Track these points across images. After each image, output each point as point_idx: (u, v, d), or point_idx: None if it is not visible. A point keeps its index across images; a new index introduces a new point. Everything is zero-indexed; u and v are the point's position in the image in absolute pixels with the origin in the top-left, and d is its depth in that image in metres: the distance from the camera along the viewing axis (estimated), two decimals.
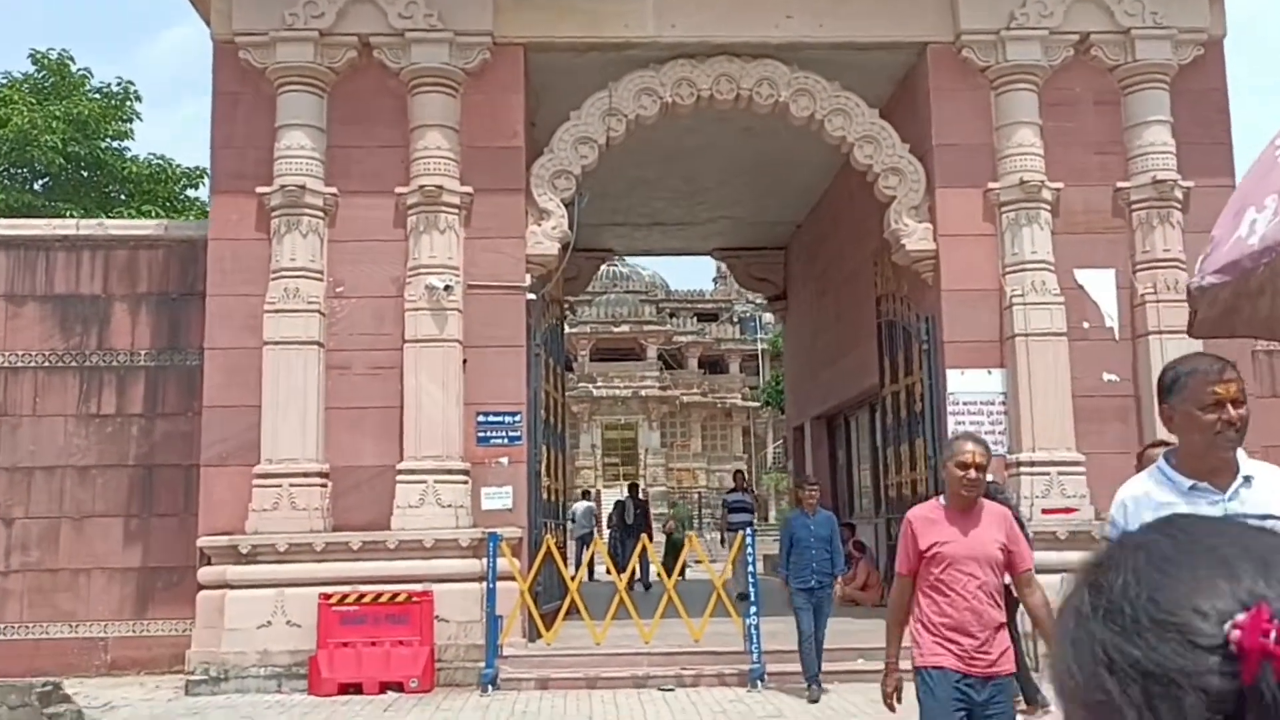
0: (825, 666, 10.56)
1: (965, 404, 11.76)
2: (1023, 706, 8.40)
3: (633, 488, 20.82)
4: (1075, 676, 0.71)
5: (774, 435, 53.62)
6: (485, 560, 10.66)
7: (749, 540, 10.78)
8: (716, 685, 10.30)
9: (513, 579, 10.71)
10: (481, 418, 11.58)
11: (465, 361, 11.51)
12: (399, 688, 10.25)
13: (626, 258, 58.54)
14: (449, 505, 11.08)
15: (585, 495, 27.28)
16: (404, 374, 11.36)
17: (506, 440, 11.58)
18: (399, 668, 10.34)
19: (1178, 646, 0.67)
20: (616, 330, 51.42)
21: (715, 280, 64.15)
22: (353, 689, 10.22)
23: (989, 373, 11.79)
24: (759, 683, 10.09)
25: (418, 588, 10.72)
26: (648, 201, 17.92)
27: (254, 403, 11.24)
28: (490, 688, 10.10)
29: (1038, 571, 10.64)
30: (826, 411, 18.74)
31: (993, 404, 11.76)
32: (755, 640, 10.32)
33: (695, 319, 55.75)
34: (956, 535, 4.31)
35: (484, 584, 10.64)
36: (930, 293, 12.18)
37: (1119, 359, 11.82)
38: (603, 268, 58.31)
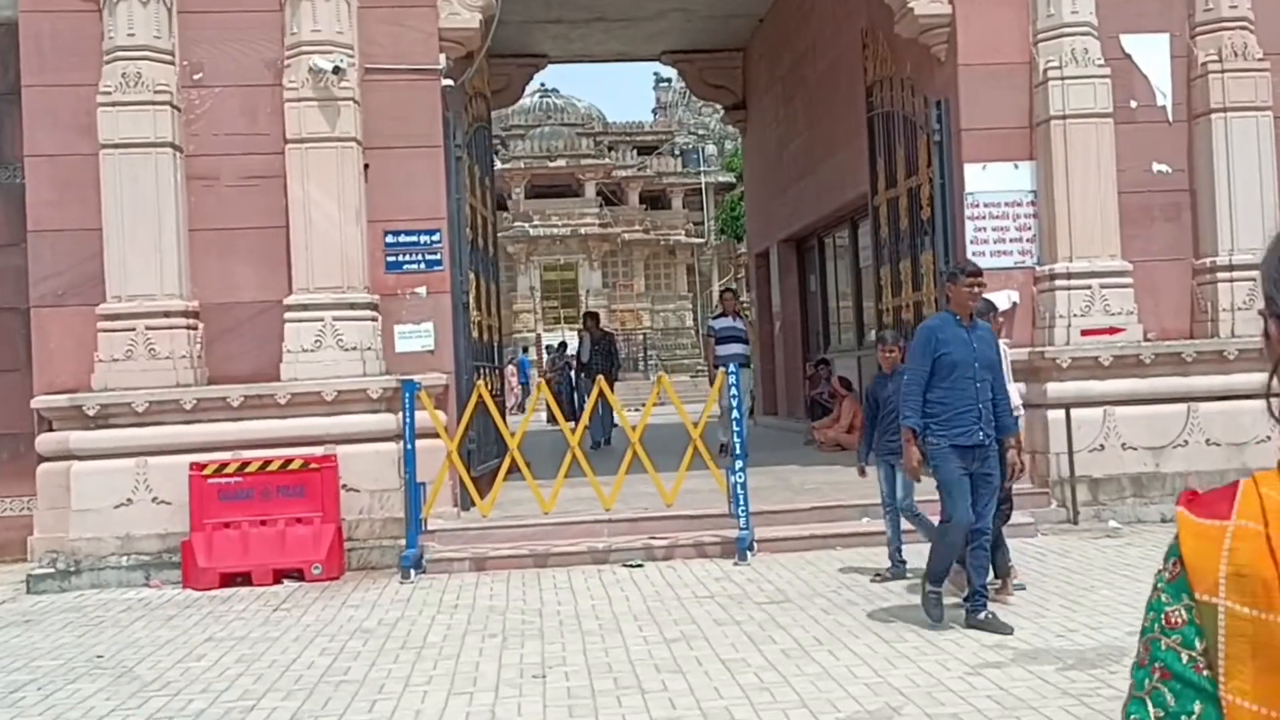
0: (824, 529, 8.70)
1: (986, 205, 9.61)
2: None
3: (591, 317, 16.33)
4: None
5: (720, 273, 51.62)
6: (402, 415, 8.47)
7: (732, 376, 8.63)
8: (695, 558, 8.35)
9: (437, 436, 8.56)
10: (390, 238, 9.23)
11: (366, 167, 9.08)
12: (299, 576, 8.17)
13: (560, 90, 55.13)
14: (353, 348, 8.80)
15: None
16: (288, 184, 8.91)
17: (423, 265, 9.26)
18: (297, 551, 8.24)
19: None
20: (552, 165, 48.38)
21: (655, 111, 61.02)
22: (240, 579, 8.12)
23: (1016, 166, 9.61)
24: (748, 553, 8.14)
25: (318, 451, 8.55)
26: None
27: (94, 225, 8.76)
28: (413, 571, 8.04)
29: (1077, 405, 8.62)
30: (796, 233, 16.53)
31: (1020, 204, 9.62)
32: (741, 501, 8.34)
33: (635, 152, 52.69)
34: None
35: (402, 444, 8.48)
36: (942, 71, 9.87)
37: (1171, 145, 9.69)
38: (535, 99, 55.09)
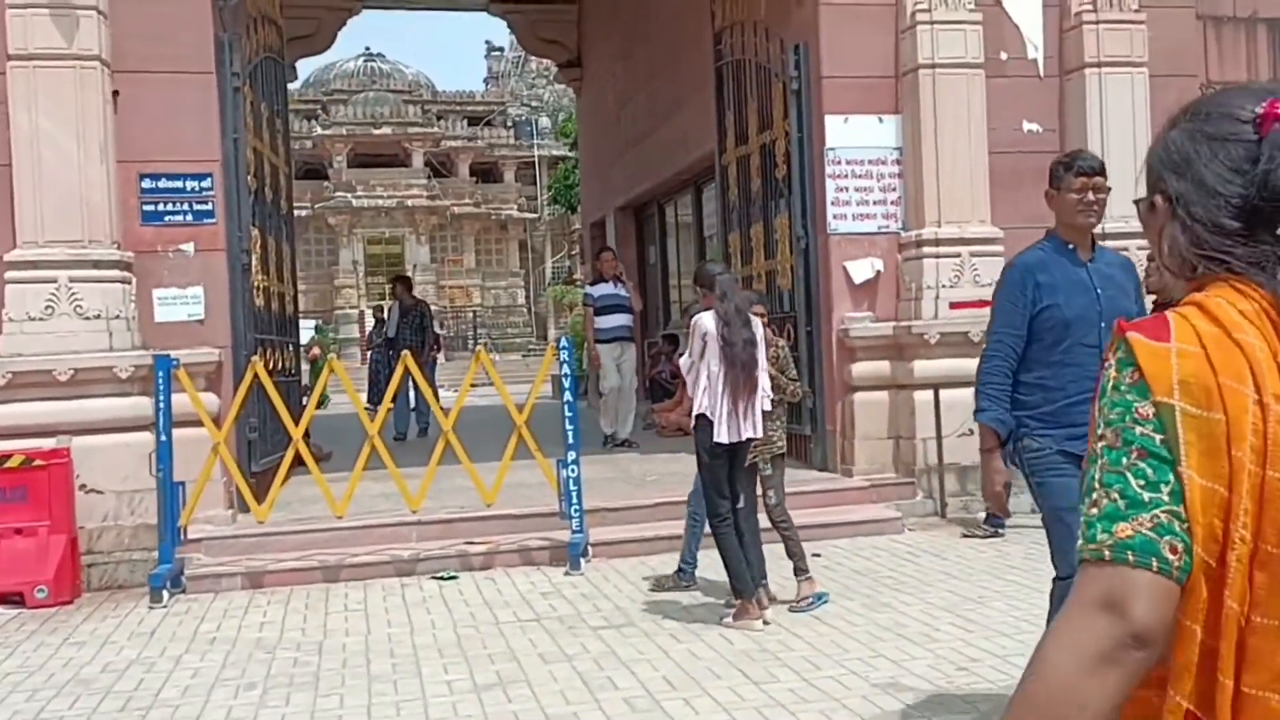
0: (669, 528, 7.54)
1: (849, 163, 8.60)
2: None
3: (401, 281, 13.43)
4: (1173, 154, 1.26)
5: (553, 249, 50.30)
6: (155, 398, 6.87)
7: (564, 353, 7.30)
8: (520, 565, 7.05)
9: (202, 425, 6.98)
10: (148, 182, 7.58)
11: (116, 94, 7.40)
12: (19, 601, 6.50)
13: (386, 55, 52.53)
14: (96, 316, 7.13)
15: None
16: (10, 111, 7.15)
17: (190, 217, 7.65)
18: (16, 570, 6.54)
19: (1230, 122, 1.23)
20: (377, 132, 46.00)
21: (486, 81, 59.15)
22: None
23: (880, 120, 8.63)
24: (581, 561, 6.90)
25: (48, 443, 6.86)
26: None
27: None
28: (167, 593, 6.48)
29: (946, 385, 7.69)
30: (635, 199, 15.35)
31: (884, 163, 8.65)
32: (574, 499, 7.08)
33: (466, 123, 50.75)
34: None
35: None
36: (801, 11, 8.80)
37: (1043, 102, 8.90)
38: (360, 63, 52.26)
